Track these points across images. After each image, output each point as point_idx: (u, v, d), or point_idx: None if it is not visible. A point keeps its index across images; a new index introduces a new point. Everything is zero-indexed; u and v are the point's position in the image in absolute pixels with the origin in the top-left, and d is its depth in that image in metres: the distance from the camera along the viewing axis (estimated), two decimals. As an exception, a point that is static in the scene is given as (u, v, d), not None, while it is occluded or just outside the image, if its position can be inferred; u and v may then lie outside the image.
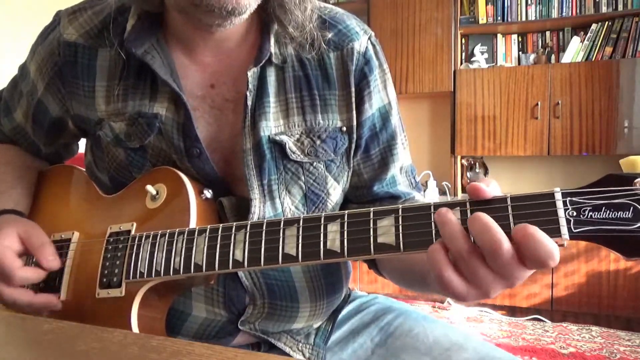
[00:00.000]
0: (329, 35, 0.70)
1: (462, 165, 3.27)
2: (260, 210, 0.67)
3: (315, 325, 0.78)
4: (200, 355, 0.40)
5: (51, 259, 0.66)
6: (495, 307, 2.83)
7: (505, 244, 0.42)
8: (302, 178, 0.70)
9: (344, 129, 0.71)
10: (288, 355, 0.73)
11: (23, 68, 0.79)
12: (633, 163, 0.44)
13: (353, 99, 0.70)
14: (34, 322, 0.51)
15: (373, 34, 0.75)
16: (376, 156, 0.75)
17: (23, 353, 0.44)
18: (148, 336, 0.45)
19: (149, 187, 0.65)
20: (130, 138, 0.69)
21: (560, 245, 0.44)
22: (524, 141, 2.92)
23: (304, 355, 0.74)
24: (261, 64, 0.67)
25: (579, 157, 3.04)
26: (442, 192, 3.16)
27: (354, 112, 0.71)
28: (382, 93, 0.74)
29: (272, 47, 0.68)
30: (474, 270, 0.44)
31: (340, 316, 0.82)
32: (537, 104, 2.88)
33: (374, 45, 0.74)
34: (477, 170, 3.25)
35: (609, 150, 2.75)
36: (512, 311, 2.81)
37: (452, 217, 0.45)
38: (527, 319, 2.72)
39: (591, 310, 2.63)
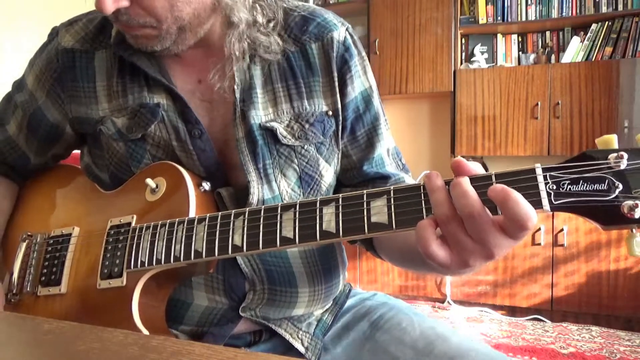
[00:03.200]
0: (310, 28, 0.74)
1: (462, 165, 3.26)
2: (258, 191, 0.70)
3: (316, 313, 0.80)
4: (200, 355, 0.40)
5: None
6: (495, 307, 2.83)
7: (478, 206, 0.46)
8: (296, 161, 0.73)
9: (330, 112, 0.74)
10: (289, 342, 0.75)
11: (19, 83, 0.82)
12: (607, 141, 0.48)
13: (336, 84, 0.74)
14: (34, 322, 0.51)
15: (350, 26, 0.79)
16: (362, 137, 0.78)
17: (23, 353, 0.44)
18: (148, 336, 0.45)
19: (149, 181, 0.67)
20: (131, 130, 0.71)
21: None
22: (524, 141, 2.92)
23: (302, 344, 0.75)
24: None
25: (579, 157, 3.03)
26: (442, 192, 3.16)
27: (338, 95, 0.75)
28: (362, 78, 0.77)
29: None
30: (454, 236, 0.48)
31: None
32: (537, 104, 2.88)
33: (351, 36, 0.78)
34: (477, 170, 3.24)
35: (609, 150, 2.74)
36: (512, 311, 2.81)
37: (442, 184, 0.49)
38: (527, 319, 2.72)
39: (591, 310, 2.63)
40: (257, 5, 0.70)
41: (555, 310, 2.70)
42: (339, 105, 0.74)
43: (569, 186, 0.46)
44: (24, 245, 0.73)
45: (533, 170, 0.47)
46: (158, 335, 0.44)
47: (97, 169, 0.78)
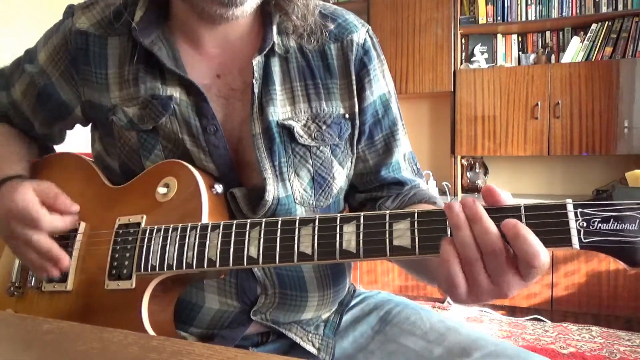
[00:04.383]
0: (330, 27, 0.74)
1: (462, 165, 3.27)
2: (274, 189, 0.69)
3: (324, 317, 0.81)
4: (200, 355, 0.40)
5: (69, 204, 0.67)
6: (495, 307, 2.83)
7: (499, 244, 0.46)
8: (310, 161, 0.72)
9: (347, 115, 0.74)
10: (298, 344, 0.75)
11: (31, 54, 0.81)
12: (638, 177, 0.47)
13: (354, 87, 0.74)
14: (34, 322, 0.51)
15: (370, 27, 0.79)
16: (380, 142, 0.78)
17: (23, 353, 0.44)
18: (148, 336, 0.46)
19: (160, 188, 0.66)
20: (143, 120, 0.71)
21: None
22: (524, 141, 2.92)
23: (313, 345, 0.76)
24: (265, 53, 0.70)
25: (579, 157, 3.04)
26: (442, 192, 3.16)
27: (356, 99, 0.74)
28: (381, 82, 0.77)
29: (275, 37, 0.71)
30: (475, 275, 0.48)
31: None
32: (537, 104, 2.88)
33: (371, 38, 0.77)
34: (477, 170, 3.24)
35: (609, 150, 2.75)
36: (512, 311, 2.81)
37: (465, 222, 0.48)
38: (527, 319, 2.72)
39: (591, 310, 2.63)
40: None
41: (555, 310, 2.70)
42: (356, 109, 0.74)
43: (599, 224, 0.45)
44: None
45: (564, 206, 0.46)
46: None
47: (109, 157, 0.77)
